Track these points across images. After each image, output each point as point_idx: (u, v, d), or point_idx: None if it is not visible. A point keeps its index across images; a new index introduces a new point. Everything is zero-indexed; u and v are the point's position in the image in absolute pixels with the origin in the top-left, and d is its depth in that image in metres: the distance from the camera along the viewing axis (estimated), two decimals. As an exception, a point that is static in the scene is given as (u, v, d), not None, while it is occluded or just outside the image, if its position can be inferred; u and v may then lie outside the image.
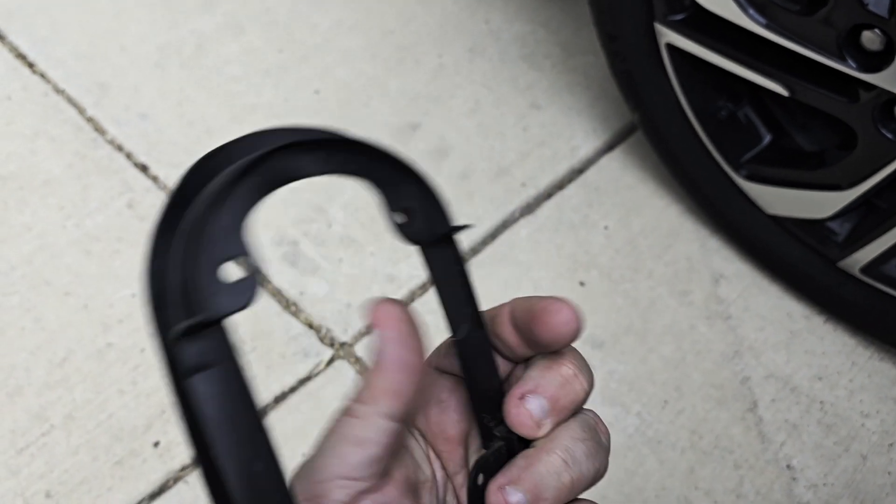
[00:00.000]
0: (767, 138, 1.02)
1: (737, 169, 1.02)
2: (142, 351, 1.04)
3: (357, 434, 0.37)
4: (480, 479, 0.38)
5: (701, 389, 1.04)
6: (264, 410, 1.00)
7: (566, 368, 0.39)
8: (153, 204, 1.16)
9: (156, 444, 0.98)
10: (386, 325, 0.38)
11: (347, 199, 1.17)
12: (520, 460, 0.38)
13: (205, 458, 0.31)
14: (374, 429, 0.37)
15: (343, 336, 1.06)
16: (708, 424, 1.02)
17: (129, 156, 1.20)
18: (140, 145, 1.21)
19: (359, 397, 0.37)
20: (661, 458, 1.00)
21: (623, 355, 1.06)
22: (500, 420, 0.39)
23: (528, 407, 0.38)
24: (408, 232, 0.38)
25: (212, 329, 0.31)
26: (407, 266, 1.12)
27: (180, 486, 0.96)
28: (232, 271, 0.31)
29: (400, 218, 0.38)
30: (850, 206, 0.95)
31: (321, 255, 1.12)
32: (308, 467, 0.37)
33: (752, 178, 1.02)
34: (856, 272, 0.99)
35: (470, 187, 1.18)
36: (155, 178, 1.18)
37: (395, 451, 0.39)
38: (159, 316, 0.31)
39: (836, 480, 0.99)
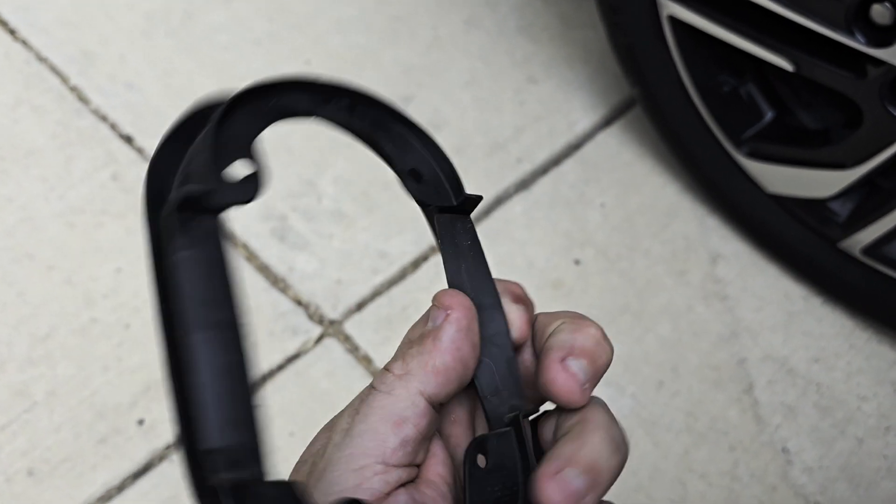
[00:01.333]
0: (770, 115, 1.00)
1: (738, 146, 1.00)
2: (126, 327, 1.02)
3: (395, 411, 0.35)
4: (481, 460, 0.36)
5: (697, 371, 1.03)
6: (258, 385, 0.98)
7: (594, 329, 0.37)
8: (138, 176, 1.13)
9: (140, 422, 0.96)
10: (457, 309, 0.36)
11: (338, 173, 1.14)
12: (568, 442, 0.34)
13: (170, 342, 0.31)
14: (412, 407, 0.35)
15: (332, 313, 1.03)
16: (704, 406, 1.00)
17: (113, 126, 1.17)
18: (125, 116, 1.18)
19: (398, 372, 0.36)
20: (655, 439, 0.98)
21: (619, 335, 1.04)
22: (508, 401, 0.38)
23: (573, 370, 0.35)
24: (419, 193, 0.39)
25: (208, 217, 0.31)
26: (399, 242, 1.09)
27: (165, 465, 0.94)
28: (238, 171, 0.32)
29: (410, 179, 0.39)
30: (853, 186, 0.93)
31: (311, 230, 1.10)
32: (339, 453, 0.35)
33: (753, 155, 0.99)
34: (856, 253, 0.97)
35: (464, 162, 1.16)
36: (140, 150, 1.15)
37: (427, 439, 0.37)
38: (152, 207, 0.32)
39: (832, 463, 0.98)
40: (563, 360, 0.36)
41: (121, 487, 0.92)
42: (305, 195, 1.12)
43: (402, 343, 0.38)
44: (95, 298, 1.04)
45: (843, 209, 0.97)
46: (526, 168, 1.16)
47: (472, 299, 0.38)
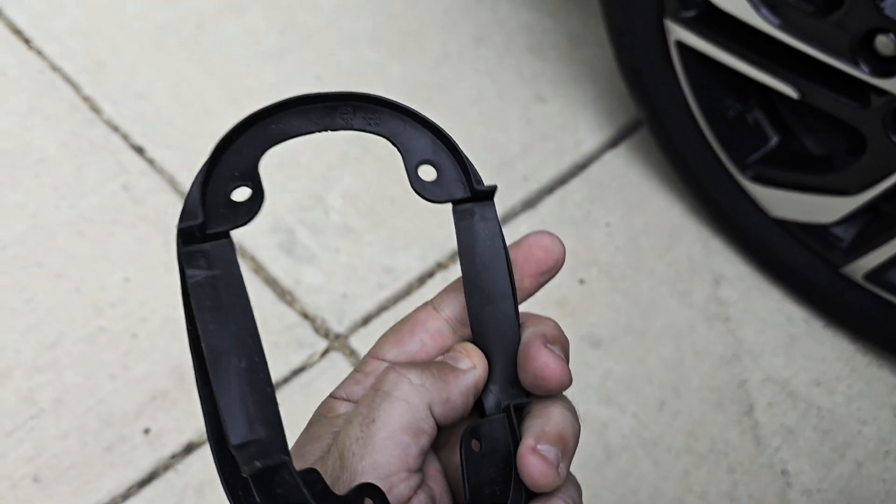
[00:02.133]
0: (775, 140, 1.01)
1: (742, 170, 1.01)
2: (134, 336, 1.03)
3: (413, 421, 0.37)
4: (476, 445, 0.39)
5: (698, 392, 1.03)
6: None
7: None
8: (149, 186, 1.14)
9: (146, 431, 0.97)
10: (480, 369, 0.40)
11: (346, 188, 1.15)
12: (535, 420, 0.39)
13: (197, 355, 0.35)
14: (427, 420, 0.38)
15: (338, 327, 1.04)
16: (704, 427, 1.01)
17: (125, 137, 1.18)
18: (136, 126, 1.19)
19: (415, 382, 0.38)
20: (656, 459, 0.99)
21: (621, 355, 1.05)
22: (507, 390, 0.41)
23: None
24: (433, 192, 0.41)
25: (217, 240, 0.36)
26: (405, 257, 1.10)
27: (170, 474, 0.95)
28: (240, 195, 0.37)
29: (425, 175, 0.41)
30: (856, 212, 0.93)
31: (318, 244, 1.11)
32: (363, 462, 0.37)
33: (757, 179, 1.00)
34: (859, 278, 0.98)
35: (471, 179, 1.17)
36: (151, 161, 1.16)
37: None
38: (181, 226, 0.36)
39: (831, 487, 0.99)
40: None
41: (126, 496, 0.93)
42: (313, 209, 1.13)
43: (417, 363, 0.40)
44: (103, 307, 1.05)
45: (846, 234, 0.98)
46: (532, 187, 1.18)
47: (483, 291, 0.41)
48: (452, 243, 1.12)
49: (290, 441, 0.37)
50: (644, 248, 1.13)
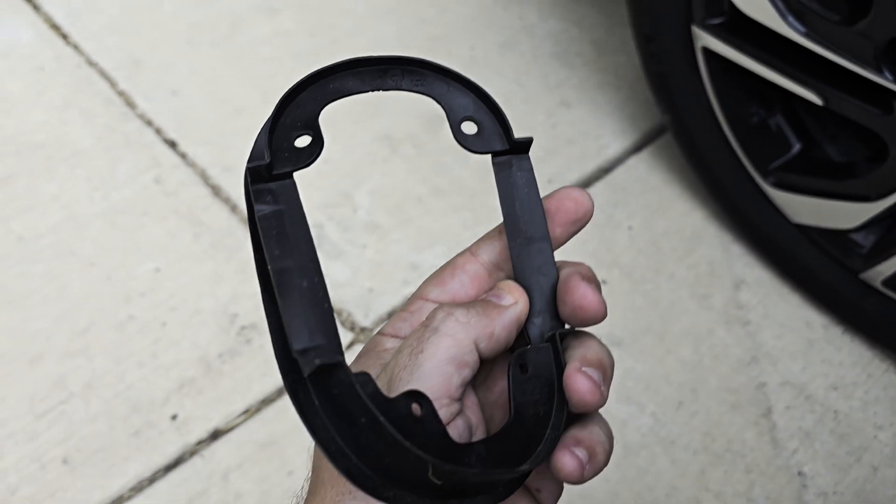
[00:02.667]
0: (797, 147, 1.03)
1: (765, 176, 1.03)
2: (163, 325, 1.05)
3: (458, 354, 0.40)
4: (523, 370, 0.43)
5: (716, 393, 1.05)
6: (281, 390, 1.01)
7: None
8: (180, 180, 1.16)
9: (173, 418, 0.99)
10: (521, 304, 0.43)
11: (374, 186, 1.18)
12: (577, 350, 0.42)
13: (264, 279, 0.40)
14: (470, 354, 0.41)
15: (364, 321, 1.06)
16: (721, 428, 1.02)
17: (158, 131, 1.21)
18: (170, 121, 1.22)
19: (462, 320, 0.41)
20: (673, 458, 1.00)
21: (641, 355, 1.06)
22: (549, 322, 0.44)
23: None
24: (474, 144, 0.45)
25: (282, 180, 0.41)
26: (430, 255, 1.12)
27: (196, 459, 0.97)
28: (302, 142, 0.42)
29: (468, 129, 0.45)
30: (876, 218, 0.95)
31: (345, 240, 1.13)
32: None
33: (779, 185, 1.02)
34: (878, 284, 0.99)
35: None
36: (183, 155, 1.19)
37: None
38: (249, 166, 0.41)
39: (847, 490, 1.00)
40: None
41: (152, 479, 0.95)
42: (341, 206, 1.16)
43: (464, 303, 0.43)
44: (133, 296, 1.07)
45: (866, 241, 0.99)
46: (555, 189, 1.19)
47: (522, 232, 0.45)
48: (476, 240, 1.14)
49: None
50: (665, 252, 1.15)
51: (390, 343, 0.45)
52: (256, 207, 0.40)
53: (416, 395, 0.38)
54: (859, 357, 1.08)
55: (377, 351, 0.44)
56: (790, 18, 0.88)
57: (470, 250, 0.47)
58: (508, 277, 0.46)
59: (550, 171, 1.21)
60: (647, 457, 1.00)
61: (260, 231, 0.39)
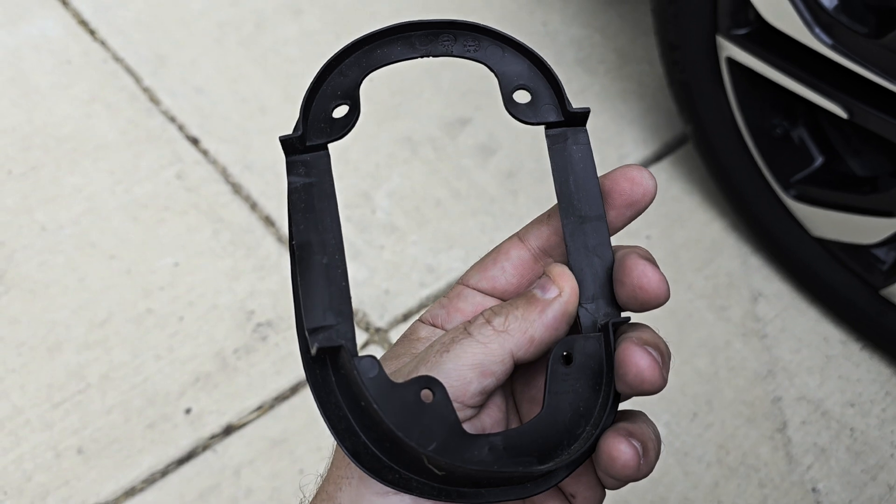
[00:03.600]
0: (819, 160, 1.02)
1: (786, 188, 1.02)
2: (180, 319, 1.06)
3: (486, 362, 0.38)
4: (566, 359, 0.40)
5: (731, 405, 1.04)
6: (301, 386, 1.02)
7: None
8: (202, 176, 1.17)
9: (188, 411, 0.99)
10: (569, 292, 0.40)
11: (393, 188, 1.18)
12: (632, 333, 0.39)
13: (291, 252, 0.40)
14: (501, 364, 0.39)
15: (379, 321, 1.07)
16: (736, 441, 1.02)
17: (181, 128, 1.22)
18: (193, 118, 1.23)
19: (498, 328, 0.39)
20: (686, 469, 1.00)
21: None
22: (603, 309, 0.41)
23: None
24: (526, 114, 0.43)
25: (316, 151, 0.41)
26: (447, 258, 1.12)
27: (208, 454, 0.97)
28: (339, 112, 0.42)
29: (520, 99, 0.43)
30: (899, 235, 0.94)
31: (363, 241, 1.13)
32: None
33: (800, 198, 1.01)
34: (898, 301, 0.98)
35: (515, 186, 1.19)
36: (205, 152, 1.20)
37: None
38: (282, 137, 0.41)
39: (862, 509, 0.99)
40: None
41: (164, 472, 0.96)
42: (360, 206, 1.16)
43: (507, 303, 0.41)
44: (152, 290, 1.08)
45: (887, 256, 0.98)
46: (575, 195, 1.19)
47: (577, 210, 0.42)
48: (493, 246, 1.14)
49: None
50: (684, 262, 1.15)
51: (424, 331, 0.43)
52: (288, 179, 0.40)
53: (428, 381, 0.37)
54: (877, 374, 1.07)
55: (411, 339, 0.43)
56: (817, 30, 0.87)
57: (518, 235, 0.45)
58: (561, 260, 0.43)
59: (570, 177, 1.21)
60: (660, 467, 0.99)
61: (288, 203, 0.40)
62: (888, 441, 1.03)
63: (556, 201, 0.43)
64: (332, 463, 0.41)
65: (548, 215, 0.44)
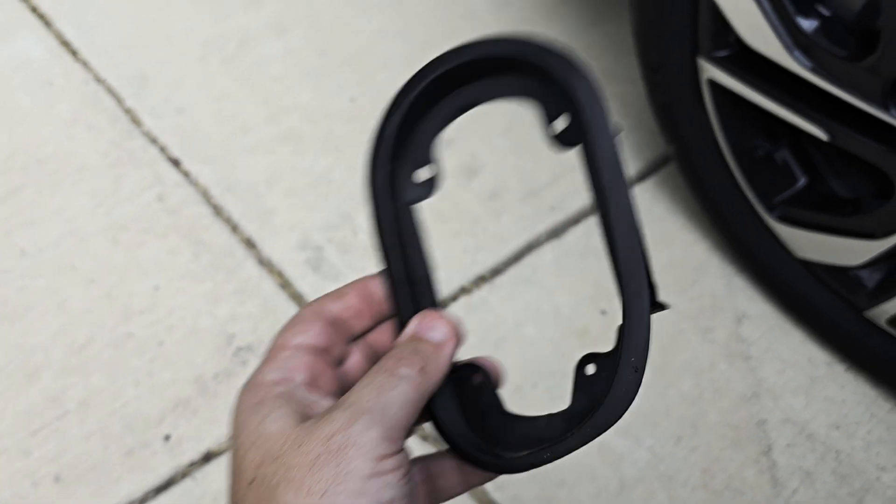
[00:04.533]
0: (802, 181, 1.02)
1: (769, 209, 1.01)
2: (160, 343, 1.05)
3: (419, 401, 0.44)
4: (590, 369, 0.47)
5: (716, 428, 1.03)
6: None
7: None
8: (183, 198, 1.16)
9: (167, 438, 0.98)
10: (450, 326, 0.47)
11: (375, 209, 1.17)
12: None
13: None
14: (424, 402, 0.44)
15: (361, 345, 1.06)
16: (721, 464, 1.01)
17: (163, 149, 1.21)
18: (175, 139, 1.22)
19: (420, 369, 0.44)
20: (671, 493, 0.99)
21: (640, 387, 1.05)
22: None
23: None
24: (564, 139, 0.47)
25: (403, 211, 0.48)
26: (430, 280, 1.11)
27: (187, 481, 0.96)
28: (422, 173, 0.49)
29: (559, 125, 0.47)
30: (882, 256, 0.93)
31: (345, 263, 1.13)
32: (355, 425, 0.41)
33: (783, 219, 1.01)
34: (882, 323, 0.97)
35: (498, 206, 1.18)
36: (186, 174, 1.19)
37: None
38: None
39: (847, 533, 0.98)
40: None
41: (143, 500, 0.95)
42: (342, 228, 1.15)
43: (406, 347, 0.47)
44: (132, 314, 1.07)
45: (871, 278, 0.98)
46: (559, 216, 1.19)
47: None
48: (477, 269, 1.13)
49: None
50: (668, 283, 1.14)
51: (277, 389, 0.45)
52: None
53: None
54: (863, 396, 1.06)
55: (270, 394, 0.45)
56: (797, 53, 0.87)
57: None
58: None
59: (553, 198, 1.20)
60: (645, 492, 0.98)
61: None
62: (874, 463, 1.02)
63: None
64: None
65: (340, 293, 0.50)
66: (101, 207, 1.15)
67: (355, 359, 0.51)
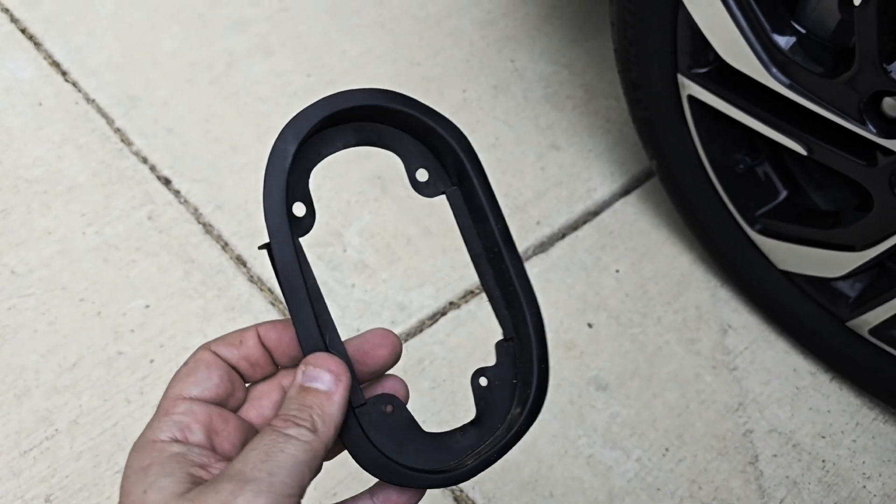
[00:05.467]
0: (783, 194, 1.03)
1: (751, 223, 1.03)
2: (151, 362, 1.05)
3: (315, 460, 0.42)
4: (483, 381, 0.52)
5: (703, 439, 1.04)
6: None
7: None
8: (173, 217, 1.17)
9: (158, 456, 0.99)
10: (335, 367, 0.46)
11: (364, 225, 1.19)
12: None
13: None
14: (321, 458, 0.44)
15: (350, 361, 1.06)
16: (708, 475, 1.02)
17: (153, 168, 1.22)
18: (165, 158, 1.23)
19: (311, 428, 0.43)
20: (658, 505, 1.00)
21: (627, 399, 1.06)
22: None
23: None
24: (429, 190, 0.52)
25: (298, 247, 0.49)
26: (419, 295, 1.13)
27: (179, 499, 0.96)
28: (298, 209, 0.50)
29: (421, 176, 0.52)
30: (862, 268, 0.95)
31: (334, 280, 1.13)
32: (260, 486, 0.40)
33: (765, 232, 1.02)
34: (864, 333, 0.99)
35: (485, 222, 1.20)
36: (177, 192, 1.20)
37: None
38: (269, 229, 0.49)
39: (834, 541, 0.99)
40: None
41: (134, 519, 0.95)
42: (331, 245, 1.16)
43: (295, 400, 0.45)
44: (123, 332, 1.08)
45: (852, 289, 0.99)
46: (544, 231, 1.20)
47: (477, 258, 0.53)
48: (465, 284, 1.14)
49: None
50: (652, 295, 1.15)
51: (175, 447, 0.45)
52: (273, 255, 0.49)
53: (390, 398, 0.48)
54: (847, 405, 1.08)
55: (164, 453, 0.44)
56: (774, 70, 0.89)
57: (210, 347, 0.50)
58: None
59: (538, 213, 1.22)
60: (633, 503, 0.99)
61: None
62: (859, 472, 1.04)
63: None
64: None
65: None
66: (91, 226, 1.16)
67: (272, 399, 0.50)
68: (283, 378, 0.51)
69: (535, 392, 0.51)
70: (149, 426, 0.45)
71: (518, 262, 0.52)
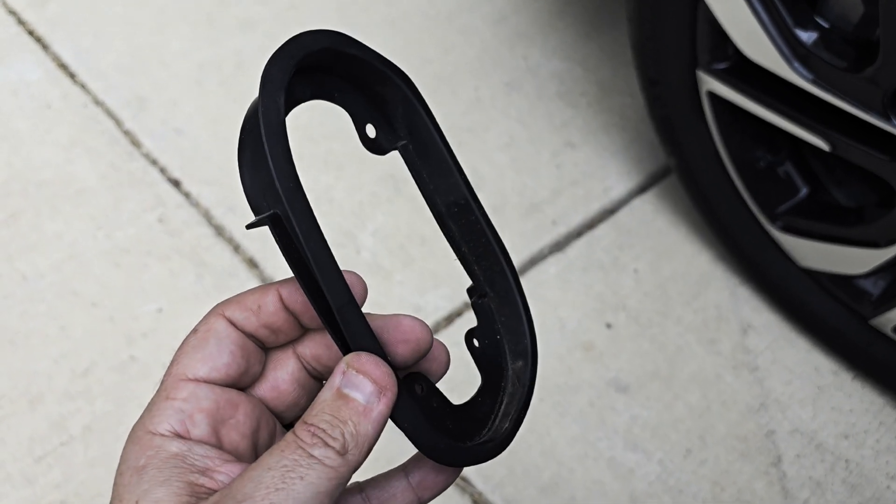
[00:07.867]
0: (804, 191, 1.02)
1: (772, 220, 1.02)
2: (164, 366, 1.04)
3: (338, 488, 0.37)
4: (476, 342, 0.50)
5: (725, 440, 1.03)
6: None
7: None
8: (184, 220, 1.16)
9: (173, 462, 0.98)
10: (391, 390, 0.40)
11: (378, 226, 1.17)
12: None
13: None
14: (347, 482, 0.37)
15: (366, 364, 1.05)
16: (730, 477, 1.01)
17: (163, 170, 1.21)
18: (174, 160, 1.22)
19: (341, 451, 0.37)
20: (680, 508, 0.98)
21: (648, 401, 1.05)
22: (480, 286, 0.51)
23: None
24: (381, 146, 0.48)
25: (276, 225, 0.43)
26: (434, 297, 1.11)
27: (194, 505, 0.95)
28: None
29: (371, 132, 0.47)
30: (885, 265, 0.94)
31: (348, 281, 1.12)
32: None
33: (786, 229, 1.01)
34: (888, 331, 0.98)
35: (500, 222, 1.18)
36: (187, 195, 1.19)
37: None
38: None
39: (859, 543, 0.97)
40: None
41: (150, 526, 0.94)
42: (345, 246, 1.15)
43: (326, 410, 0.38)
44: (135, 337, 1.07)
45: (875, 287, 0.98)
46: (561, 230, 1.19)
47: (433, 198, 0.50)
48: (480, 284, 1.13)
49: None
50: (672, 295, 1.14)
51: (174, 446, 0.39)
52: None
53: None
54: (870, 404, 1.06)
55: (157, 454, 0.39)
56: (796, 64, 0.87)
57: (222, 312, 0.44)
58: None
59: (554, 212, 1.20)
60: (654, 506, 0.98)
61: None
62: (883, 472, 1.02)
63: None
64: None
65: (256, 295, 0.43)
66: (101, 230, 1.15)
67: (289, 370, 0.43)
68: (308, 344, 0.44)
69: (530, 341, 0.50)
70: (148, 410, 0.40)
71: (485, 213, 0.49)
